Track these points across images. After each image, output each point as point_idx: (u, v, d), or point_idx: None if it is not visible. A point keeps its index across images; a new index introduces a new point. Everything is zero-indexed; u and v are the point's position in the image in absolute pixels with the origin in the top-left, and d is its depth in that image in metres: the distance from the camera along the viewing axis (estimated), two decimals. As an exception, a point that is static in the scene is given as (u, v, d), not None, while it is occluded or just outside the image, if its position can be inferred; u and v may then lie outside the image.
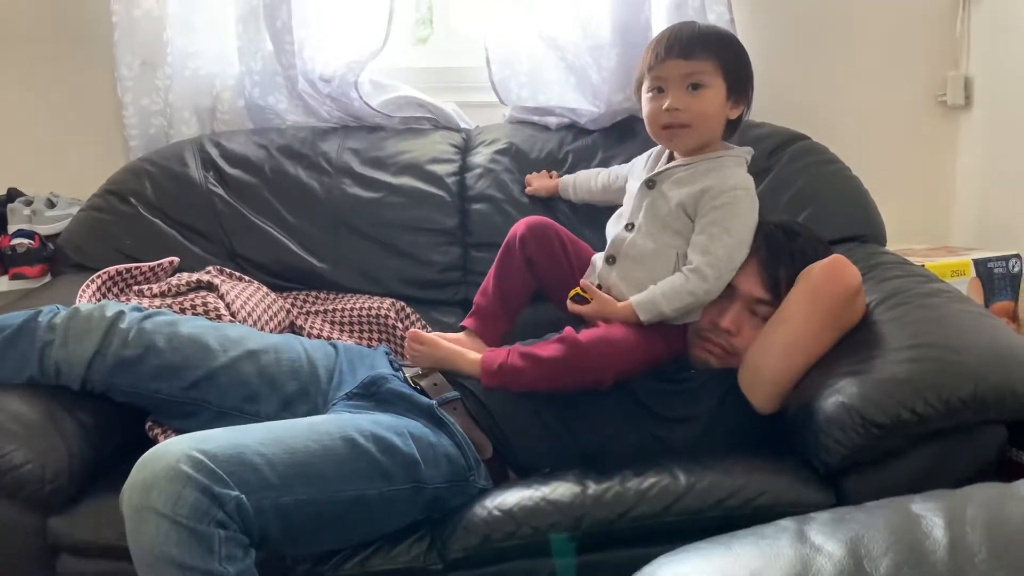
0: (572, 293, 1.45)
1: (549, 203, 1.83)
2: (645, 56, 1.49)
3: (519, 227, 1.55)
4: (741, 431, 1.38)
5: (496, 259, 1.57)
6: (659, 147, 1.57)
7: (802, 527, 0.68)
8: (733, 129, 1.52)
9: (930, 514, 0.64)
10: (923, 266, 1.66)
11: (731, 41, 1.51)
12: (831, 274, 1.34)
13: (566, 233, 1.57)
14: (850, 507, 0.70)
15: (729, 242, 1.41)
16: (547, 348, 1.37)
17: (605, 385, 1.37)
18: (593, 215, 1.75)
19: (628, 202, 1.53)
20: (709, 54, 1.43)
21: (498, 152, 1.91)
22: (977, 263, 1.78)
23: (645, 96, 1.49)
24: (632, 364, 1.38)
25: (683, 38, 1.44)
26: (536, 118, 1.98)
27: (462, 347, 1.48)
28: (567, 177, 1.80)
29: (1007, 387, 1.17)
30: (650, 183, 1.49)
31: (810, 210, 1.74)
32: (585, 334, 1.38)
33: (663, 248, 1.44)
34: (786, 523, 0.70)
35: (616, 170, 1.72)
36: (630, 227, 1.48)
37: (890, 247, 1.77)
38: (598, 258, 1.52)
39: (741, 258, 1.42)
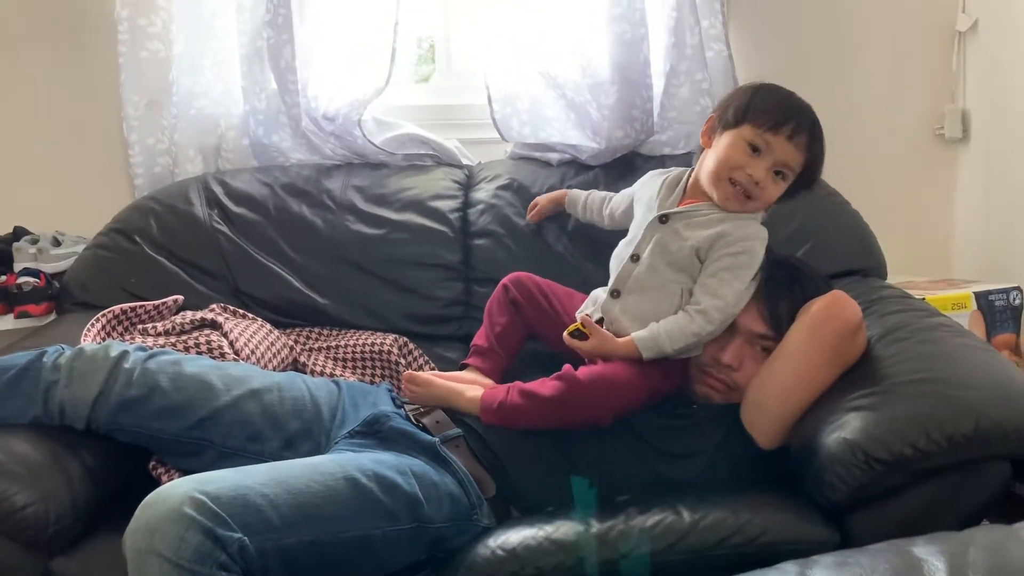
0: (571, 328, 1.45)
1: (549, 239, 1.85)
2: (753, 101, 1.43)
3: (500, 282, 1.62)
4: (745, 467, 1.38)
5: (485, 309, 1.63)
6: (673, 176, 1.54)
7: (804, 570, 0.68)
8: None
9: (932, 558, 0.64)
10: (924, 299, 1.66)
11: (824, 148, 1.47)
12: (831, 311, 1.34)
13: (544, 281, 1.62)
14: (852, 550, 0.70)
15: (739, 288, 1.41)
16: (546, 386, 1.38)
17: (604, 423, 1.38)
18: (597, 249, 1.74)
19: (635, 231, 1.52)
20: (812, 156, 1.43)
21: (500, 188, 1.92)
22: (978, 296, 1.78)
23: (733, 140, 1.42)
24: (631, 402, 1.39)
25: (811, 132, 1.42)
26: (537, 154, 2.01)
27: (462, 384, 1.48)
28: (577, 192, 1.78)
29: (1009, 422, 1.17)
30: (663, 218, 1.47)
31: (810, 244, 1.75)
32: (584, 372, 1.38)
33: (668, 284, 1.45)
34: (788, 566, 0.70)
35: (620, 199, 1.69)
36: (635, 259, 1.48)
37: (891, 280, 1.78)
38: (600, 292, 1.52)
39: (744, 303, 1.43)
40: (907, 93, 2.10)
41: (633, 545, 1.18)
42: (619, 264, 1.50)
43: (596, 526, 1.22)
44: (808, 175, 1.46)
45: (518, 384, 1.42)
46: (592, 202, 1.75)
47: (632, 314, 1.45)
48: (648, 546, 1.18)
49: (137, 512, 1.06)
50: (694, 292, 1.42)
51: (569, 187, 1.90)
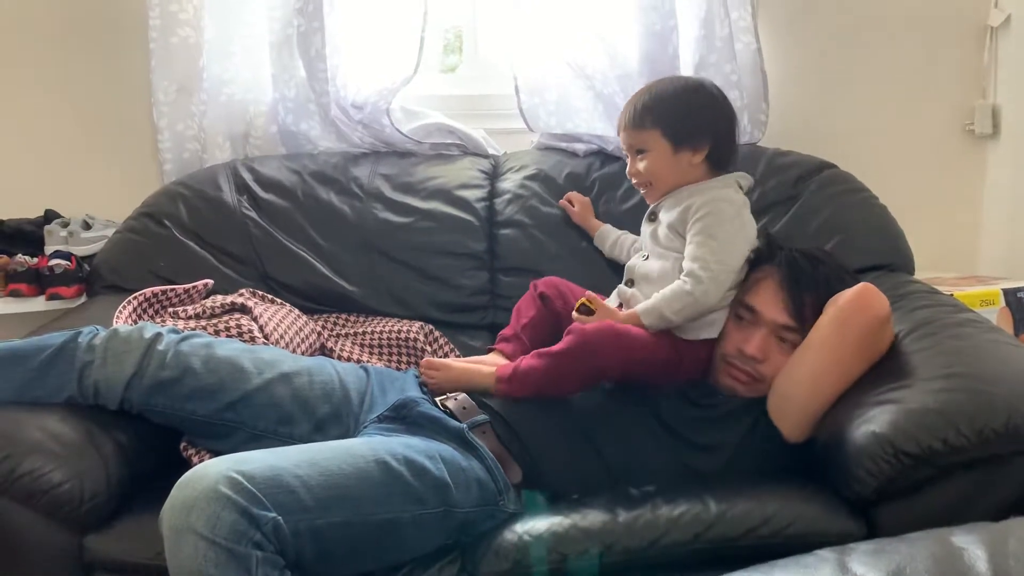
0: (578, 304, 1.49)
1: (575, 230, 1.85)
2: None
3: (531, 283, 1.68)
4: (770, 459, 1.38)
5: (514, 309, 1.67)
6: None
7: (843, 557, 0.68)
8: (719, 165, 1.56)
9: (972, 547, 0.64)
10: (952, 295, 1.65)
11: (669, 101, 1.55)
12: (860, 302, 1.34)
13: (573, 285, 1.66)
14: (890, 538, 0.70)
15: (715, 245, 1.46)
16: (557, 344, 1.42)
17: (612, 375, 1.41)
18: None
19: (641, 239, 1.64)
20: (650, 123, 1.54)
21: (527, 178, 1.93)
22: (1007, 292, 1.77)
23: None
24: (638, 358, 1.41)
25: (627, 114, 1.57)
26: (564, 144, 2.01)
27: (480, 364, 1.52)
28: (608, 229, 1.81)
29: (1041, 418, 1.17)
30: (652, 215, 1.60)
31: (838, 239, 1.75)
32: (592, 325, 1.43)
33: (670, 265, 1.51)
34: (826, 553, 0.70)
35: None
36: (645, 257, 1.57)
37: (918, 276, 1.77)
38: (619, 286, 1.59)
39: (734, 260, 1.47)
40: (938, 88, 2.09)
41: (582, 550, 1.20)
42: (630, 263, 1.60)
43: (623, 513, 1.23)
44: (681, 138, 1.52)
45: (533, 351, 1.46)
46: (620, 244, 1.78)
47: (646, 295, 1.50)
48: (597, 551, 1.20)
49: (174, 490, 1.08)
50: (683, 264, 1.48)
51: (596, 179, 1.91)
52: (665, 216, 1.54)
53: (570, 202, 1.86)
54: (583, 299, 1.49)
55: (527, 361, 1.44)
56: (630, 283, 1.56)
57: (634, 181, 1.60)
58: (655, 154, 1.54)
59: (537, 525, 1.24)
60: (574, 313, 1.48)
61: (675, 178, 1.55)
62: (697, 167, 1.54)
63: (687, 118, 1.53)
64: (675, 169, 1.54)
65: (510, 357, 1.55)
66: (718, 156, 1.55)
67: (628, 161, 1.60)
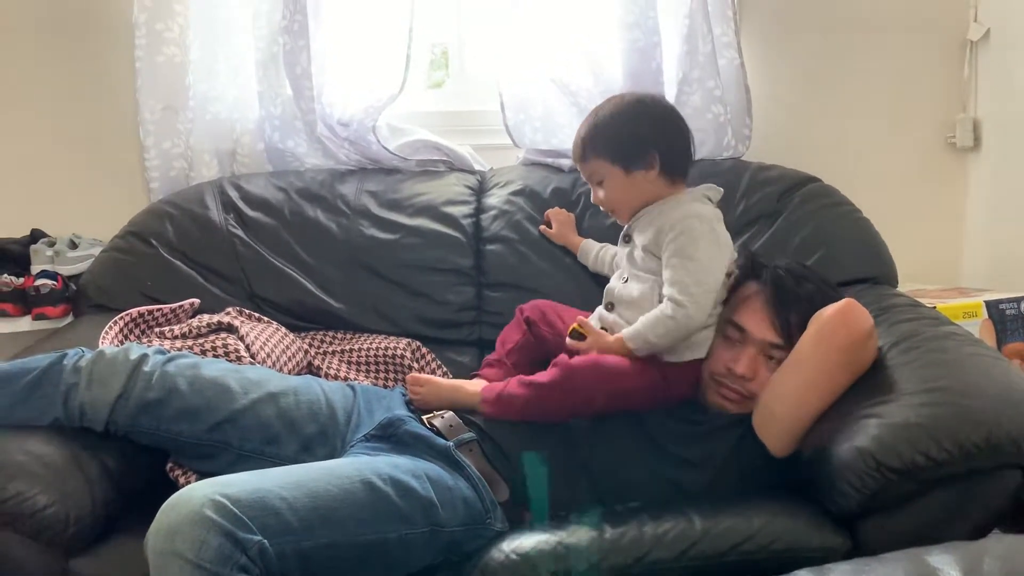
0: (571, 329, 1.50)
1: (561, 246, 1.86)
2: None
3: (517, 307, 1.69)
4: (756, 474, 1.39)
5: (499, 335, 1.68)
6: None
7: (821, 578, 0.69)
8: (677, 174, 1.55)
9: (947, 567, 0.64)
10: (935, 308, 1.67)
11: (607, 127, 1.54)
12: (843, 318, 1.35)
13: (560, 305, 1.66)
14: (867, 558, 0.71)
15: (692, 267, 1.45)
16: (543, 374, 1.43)
17: (597, 408, 1.41)
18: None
19: (618, 259, 1.64)
20: (593, 154, 1.55)
21: (512, 193, 1.94)
22: (989, 305, 1.78)
23: None
24: (624, 389, 1.41)
25: (575, 147, 1.58)
26: (549, 160, 2.02)
27: (465, 382, 1.54)
28: (589, 244, 1.81)
29: (1020, 432, 1.18)
30: (626, 237, 1.59)
31: (821, 252, 1.76)
32: (577, 358, 1.43)
33: (648, 288, 1.50)
34: (804, 573, 0.71)
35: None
36: (624, 280, 1.55)
37: (901, 288, 1.78)
38: (599, 309, 1.58)
39: (714, 279, 1.46)
40: (919, 102, 2.11)
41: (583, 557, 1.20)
42: (609, 285, 1.59)
43: (610, 530, 1.24)
44: (628, 160, 1.51)
45: (518, 376, 1.46)
46: (604, 255, 1.78)
47: (627, 319, 1.50)
48: (596, 559, 1.20)
49: (159, 514, 1.07)
50: (663, 290, 1.47)
51: (580, 193, 1.91)
52: (639, 238, 1.53)
53: (548, 223, 1.86)
54: (575, 325, 1.49)
55: (512, 387, 1.44)
56: (610, 307, 1.55)
57: (602, 208, 1.60)
58: (611, 181, 1.54)
59: (524, 543, 1.24)
60: (567, 339, 1.49)
61: (637, 199, 1.55)
62: (655, 182, 1.53)
63: (628, 139, 1.52)
64: (634, 190, 1.54)
65: (488, 380, 1.56)
66: (672, 166, 1.54)
67: (592, 190, 1.59)
